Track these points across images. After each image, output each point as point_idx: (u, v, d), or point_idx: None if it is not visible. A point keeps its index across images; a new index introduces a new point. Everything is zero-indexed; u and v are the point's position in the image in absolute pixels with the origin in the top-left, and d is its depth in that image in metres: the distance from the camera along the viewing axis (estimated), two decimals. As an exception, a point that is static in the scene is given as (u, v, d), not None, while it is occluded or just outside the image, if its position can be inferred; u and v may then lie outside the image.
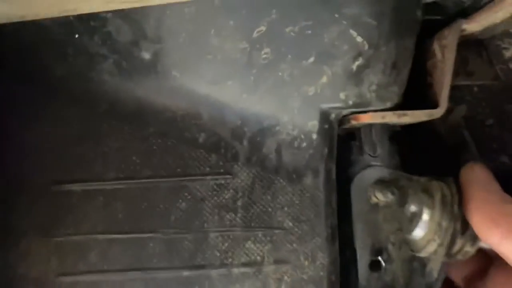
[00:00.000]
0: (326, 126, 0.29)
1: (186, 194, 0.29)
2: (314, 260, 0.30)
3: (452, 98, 0.35)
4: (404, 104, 0.30)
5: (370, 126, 0.31)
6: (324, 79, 0.27)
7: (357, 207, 0.32)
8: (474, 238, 0.26)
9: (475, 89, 0.33)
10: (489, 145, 0.34)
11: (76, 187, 0.29)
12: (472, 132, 0.35)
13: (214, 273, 0.29)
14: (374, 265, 0.31)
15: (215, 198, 0.29)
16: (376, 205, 0.31)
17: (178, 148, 0.29)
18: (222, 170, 0.30)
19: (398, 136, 0.39)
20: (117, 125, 0.29)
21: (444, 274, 0.27)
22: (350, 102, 0.28)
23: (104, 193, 0.29)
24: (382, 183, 0.31)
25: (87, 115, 0.30)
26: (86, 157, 0.29)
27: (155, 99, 0.29)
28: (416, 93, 0.32)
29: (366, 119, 0.29)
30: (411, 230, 0.28)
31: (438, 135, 0.38)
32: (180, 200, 0.29)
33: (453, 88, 0.35)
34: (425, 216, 0.27)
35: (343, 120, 0.31)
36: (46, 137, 0.30)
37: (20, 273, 0.29)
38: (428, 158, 0.39)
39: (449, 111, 0.36)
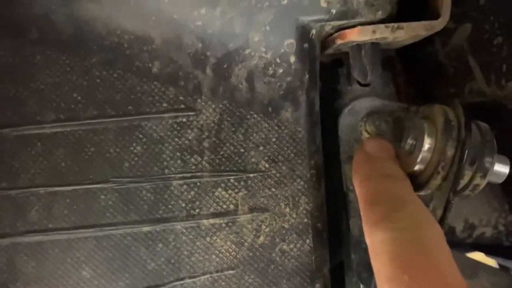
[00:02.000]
0: (306, 45, 0.24)
1: (140, 135, 0.25)
2: (296, 206, 0.25)
3: (454, 16, 0.30)
4: (399, 17, 0.25)
5: (359, 47, 0.26)
6: (300, -18, 0.22)
7: (346, 145, 0.27)
8: (486, 169, 0.22)
9: (482, 1, 0.28)
10: (496, 68, 0.29)
11: (7, 132, 0.24)
12: (477, 56, 0.31)
13: (179, 226, 0.25)
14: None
15: (176, 139, 0.25)
16: (368, 141, 0.27)
17: (127, 81, 0.24)
18: (182, 106, 0.25)
19: (392, 64, 0.34)
20: (53, 56, 0.24)
21: (450, 212, 0.22)
22: (333, 11, 0.23)
23: (42, 139, 0.24)
24: (374, 115, 0.26)
25: (17, 45, 0.24)
26: (19, 96, 0.24)
27: (96, 22, 0.24)
28: (414, 6, 0.27)
29: (353, 36, 0.24)
30: (410, 165, 0.23)
31: (437, 64, 0.33)
32: (134, 143, 0.25)
33: (455, 4, 0.30)
34: (426, 146, 0.22)
35: (326, 41, 0.26)
36: (-33, 74, 0.24)
37: None
38: (426, 91, 0.35)
39: (450, 33, 0.31)
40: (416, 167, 0.23)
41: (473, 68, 0.31)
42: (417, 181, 0.23)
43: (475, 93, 0.32)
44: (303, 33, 0.24)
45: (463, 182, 0.22)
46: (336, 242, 0.29)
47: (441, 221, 0.22)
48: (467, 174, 0.22)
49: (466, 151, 0.21)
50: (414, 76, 0.37)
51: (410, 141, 0.24)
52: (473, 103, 0.33)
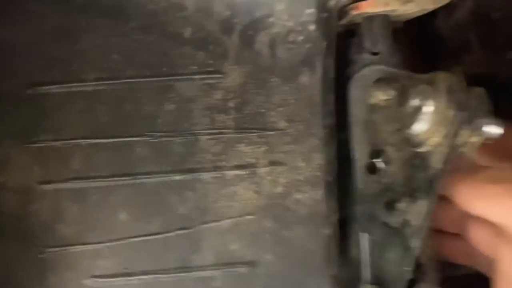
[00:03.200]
0: (325, 14, 0.27)
1: (173, 94, 0.27)
2: (310, 161, 0.28)
3: (458, -9, 0.33)
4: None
5: (371, 18, 0.28)
6: (322, -44, 0.25)
7: (355, 109, 0.30)
8: (480, 129, 0.25)
9: (483, -21, 0.31)
10: (494, 41, 0.32)
11: (53, 89, 0.27)
12: (477, 29, 0.33)
13: (206, 176, 0.28)
14: (373, 168, 0.30)
15: (205, 98, 0.28)
16: (375, 105, 0.30)
17: (162, 45, 0.27)
18: (211, 69, 0.27)
19: (399, 36, 0.37)
20: (95, 21, 0.27)
21: (449, 165, 0.25)
22: (350, -16, 0.25)
23: (85, 95, 0.27)
24: (382, 81, 0.29)
25: (62, 10, 0.27)
26: (63, 56, 0.27)
27: (134, -10, 0.26)
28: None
29: (367, 7, 0.27)
30: (412, 124, 0.26)
31: (440, 38, 0.36)
32: (167, 102, 0.27)
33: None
34: (429, 108, 0.25)
35: (342, 12, 0.28)
36: (17, 35, 0.27)
37: (0, 182, 0.27)
38: (430, 62, 0.38)
39: (452, 8, 0.34)
40: (417, 126, 0.26)
41: (473, 43, 0.34)
42: (415, 139, 0.26)
43: (475, 64, 0.35)
44: (322, 3, 0.26)
45: (461, 140, 0.26)
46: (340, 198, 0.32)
47: (440, 172, 0.25)
48: (464, 133, 0.25)
49: (465, 112, 0.24)
50: (419, 48, 0.39)
51: (413, 103, 0.27)
52: (473, 73, 0.36)
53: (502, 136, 0.27)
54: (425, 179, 0.26)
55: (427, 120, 0.25)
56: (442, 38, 0.35)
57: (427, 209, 0.25)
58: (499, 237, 0.26)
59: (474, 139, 0.25)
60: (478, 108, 0.25)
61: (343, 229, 0.32)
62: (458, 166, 0.27)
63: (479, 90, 0.26)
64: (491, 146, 0.28)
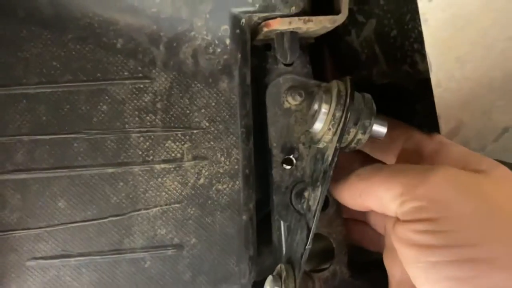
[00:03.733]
0: (238, 31, 0.31)
1: (106, 97, 0.31)
2: (229, 156, 0.33)
3: (363, 12, 0.38)
4: (312, 13, 0.32)
5: (281, 34, 0.33)
6: (231, -18, 0.29)
7: (271, 112, 0.35)
8: (366, 128, 0.30)
9: (381, 2, 0.36)
10: (393, 56, 0.37)
11: (-1, 91, 0.30)
12: (381, 45, 0.39)
13: (137, 169, 0.32)
14: (287, 163, 0.35)
15: (135, 101, 0.31)
16: (288, 109, 0.34)
17: (96, 54, 0.31)
18: (140, 75, 0.31)
19: (319, 51, 0.42)
20: (36, 31, 0.30)
21: (336, 159, 0.30)
22: (257, 6, 0.30)
23: (27, 97, 0.31)
24: (293, 89, 0.34)
25: (6, 22, 0.30)
26: (8, 62, 0.30)
27: (73, 6, 0.30)
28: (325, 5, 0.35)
29: (275, 25, 0.31)
30: (313, 124, 0.31)
31: (353, 51, 0.41)
32: (101, 103, 0.31)
33: (363, 2, 0.37)
34: (323, 110, 0.30)
35: (256, 29, 0.33)
36: (-35, 43, 0.30)
37: None
38: (346, 73, 0.43)
39: (362, 26, 0.39)
40: (316, 125, 0.30)
41: (378, 55, 0.39)
42: (316, 137, 0.31)
43: (381, 75, 0.41)
44: (235, 21, 0.31)
45: (349, 137, 0.30)
46: (266, 193, 0.37)
47: (331, 164, 0.29)
48: (352, 131, 0.30)
49: (349, 113, 0.29)
50: (338, 60, 0.44)
51: (314, 107, 0.31)
52: (382, 84, 0.41)
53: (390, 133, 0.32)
54: (322, 170, 0.31)
55: (322, 120, 0.30)
56: (355, 52, 0.40)
57: (321, 195, 0.30)
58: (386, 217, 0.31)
59: (361, 136, 0.30)
60: (365, 111, 0.30)
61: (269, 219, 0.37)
62: (351, 158, 0.32)
63: (367, 96, 0.31)
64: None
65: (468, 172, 0.26)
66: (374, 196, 0.28)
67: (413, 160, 0.31)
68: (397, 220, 0.27)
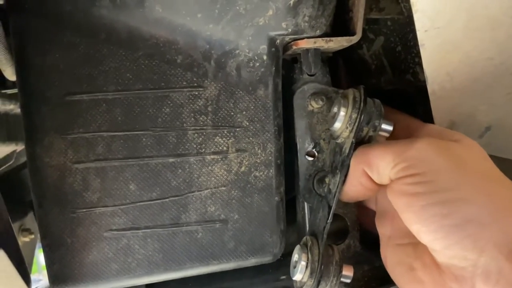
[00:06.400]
0: (273, 49, 0.39)
1: (168, 102, 0.39)
2: (265, 149, 0.40)
3: (373, 30, 0.46)
4: (332, 34, 0.40)
5: (307, 51, 0.41)
6: (270, 12, 0.37)
7: (297, 113, 0.42)
8: (376, 127, 0.38)
9: (389, 23, 0.44)
10: (398, 67, 0.45)
11: (84, 97, 0.38)
12: (388, 58, 0.46)
13: (192, 159, 0.40)
14: (310, 155, 0.42)
15: (191, 105, 0.39)
16: (311, 111, 0.42)
17: (161, 67, 0.39)
18: (195, 84, 0.39)
19: (335, 62, 0.50)
20: (114, 50, 0.38)
21: (352, 151, 0.38)
22: (290, 30, 0.38)
23: (106, 101, 0.38)
24: (315, 95, 0.42)
25: (91, 42, 0.38)
26: (92, 74, 0.38)
27: (143, 29, 0.38)
28: (342, 26, 0.42)
29: (302, 44, 0.39)
30: (333, 124, 0.39)
31: (365, 62, 0.49)
32: (165, 107, 0.39)
33: (373, 23, 0.45)
34: (342, 113, 0.38)
35: (286, 46, 0.41)
36: (61, 59, 0.38)
37: (45, 161, 0.38)
38: (358, 81, 0.50)
39: (372, 41, 0.47)
40: (336, 125, 0.38)
41: (385, 66, 0.47)
42: (335, 134, 0.39)
43: (388, 83, 0.48)
44: (271, 41, 0.39)
45: (362, 134, 0.38)
46: (291, 181, 0.45)
47: (348, 154, 0.37)
48: (365, 130, 0.38)
49: (363, 115, 0.37)
50: (351, 70, 0.52)
51: (334, 110, 0.39)
52: (389, 90, 0.49)
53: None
54: (341, 160, 0.39)
55: (341, 121, 0.38)
56: (366, 63, 0.48)
57: (340, 179, 0.38)
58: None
59: (372, 133, 0.38)
60: (375, 113, 0.38)
61: (294, 202, 0.45)
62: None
63: (377, 101, 0.39)
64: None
65: (444, 140, 0.35)
66: (373, 166, 0.36)
67: (402, 135, 0.39)
68: (391, 181, 0.35)
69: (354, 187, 0.38)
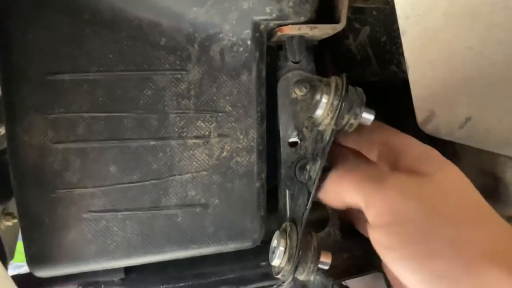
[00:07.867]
0: (257, 34, 0.39)
1: (151, 84, 0.39)
2: (247, 135, 0.40)
3: (359, 20, 0.46)
4: (317, 21, 0.40)
5: (292, 37, 0.41)
6: (254, -4, 0.37)
7: (281, 101, 0.42)
8: (357, 115, 0.38)
9: (374, 12, 0.44)
10: (383, 57, 0.45)
11: (66, 77, 0.38)
12: (373, 48, 0.46)
13: (173, 142, 0.40)
14: (292, 143, 0.42)
15: (173, 88, 0.39)
16: (295, 99, 0.42)
17: (144, 49, 0.38)
18: (178, 67, 0.39)
19: (321, 53, 0.50)
20: (97, 30, 0.38)
21: (333, 138, 0.38)
22: (274, 15, 0.38)
23: (88, 82, 0.38)
24: (300, 82, 0.42)
25: (74, 22, 0.38)
26: (74, 54, 0.38)
27: (127, 10, 0.38)
28: (328, 14, 0.42)
29: (287, 30, 0.39)
30: (315, 111, 0.39)
31: (351, 53, 0.49)
32: (147, 89, 0.39)
33: (359, 12, 0.45)
34: (324, 100, 0.38)
35: (271, 32, 0.41)
36: (43, 38, 0.37)
37: (25, 141, 0.38)
38: (344, 71, 0.50)
39: (357, 31, 0.47)
40: (317, 112, 0.38)
41: (370, 56, 0.47)
42: (317, 121, 0.39)
43: (373, 74, 0.48)
44: (256, 26, 0.39)
45: (343, 122, 0.38)
46: (274, 169, 0.45)
47: (328, 142, 0.37)
48: (346, 117, 0.38)
49: (344, 102, 0.37)
50: (338, 62, 0.52)
51: (316, 97, 0.39)
52: (373, 81, 0.49)
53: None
54: (321, 147, 0.39)
55: (322, 108, 0.38)
56: (352, 53, 0.48)
57: (320, 166, 0.38)
58: None
59: (353, 121, 0.38)
60: (357, 101, 0.38)
61: (276, 191, 0.45)
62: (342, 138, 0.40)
63: (359, 89, 0.39)
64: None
65: (413, 178, 0.33)
66: (346, 201, 0.36)
67: (386, 156, 0.38)
68: (368, 223, 0.34)
69: (336, 205, 0.39)
